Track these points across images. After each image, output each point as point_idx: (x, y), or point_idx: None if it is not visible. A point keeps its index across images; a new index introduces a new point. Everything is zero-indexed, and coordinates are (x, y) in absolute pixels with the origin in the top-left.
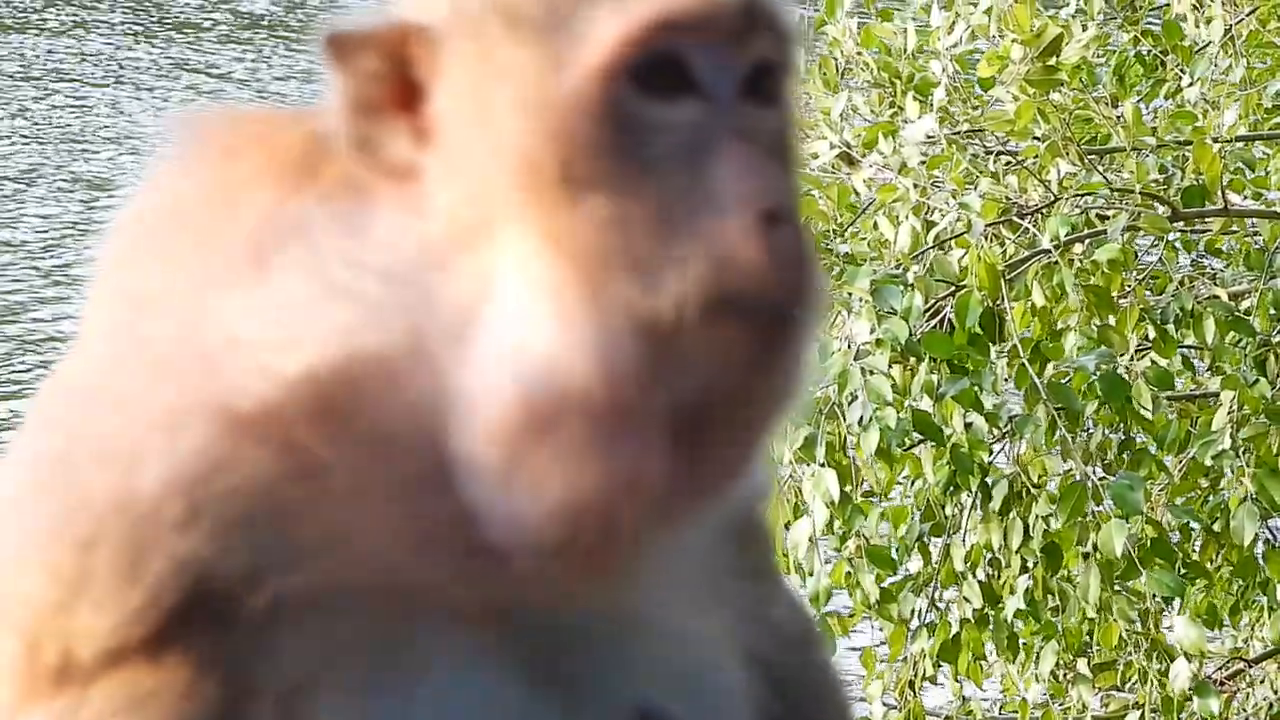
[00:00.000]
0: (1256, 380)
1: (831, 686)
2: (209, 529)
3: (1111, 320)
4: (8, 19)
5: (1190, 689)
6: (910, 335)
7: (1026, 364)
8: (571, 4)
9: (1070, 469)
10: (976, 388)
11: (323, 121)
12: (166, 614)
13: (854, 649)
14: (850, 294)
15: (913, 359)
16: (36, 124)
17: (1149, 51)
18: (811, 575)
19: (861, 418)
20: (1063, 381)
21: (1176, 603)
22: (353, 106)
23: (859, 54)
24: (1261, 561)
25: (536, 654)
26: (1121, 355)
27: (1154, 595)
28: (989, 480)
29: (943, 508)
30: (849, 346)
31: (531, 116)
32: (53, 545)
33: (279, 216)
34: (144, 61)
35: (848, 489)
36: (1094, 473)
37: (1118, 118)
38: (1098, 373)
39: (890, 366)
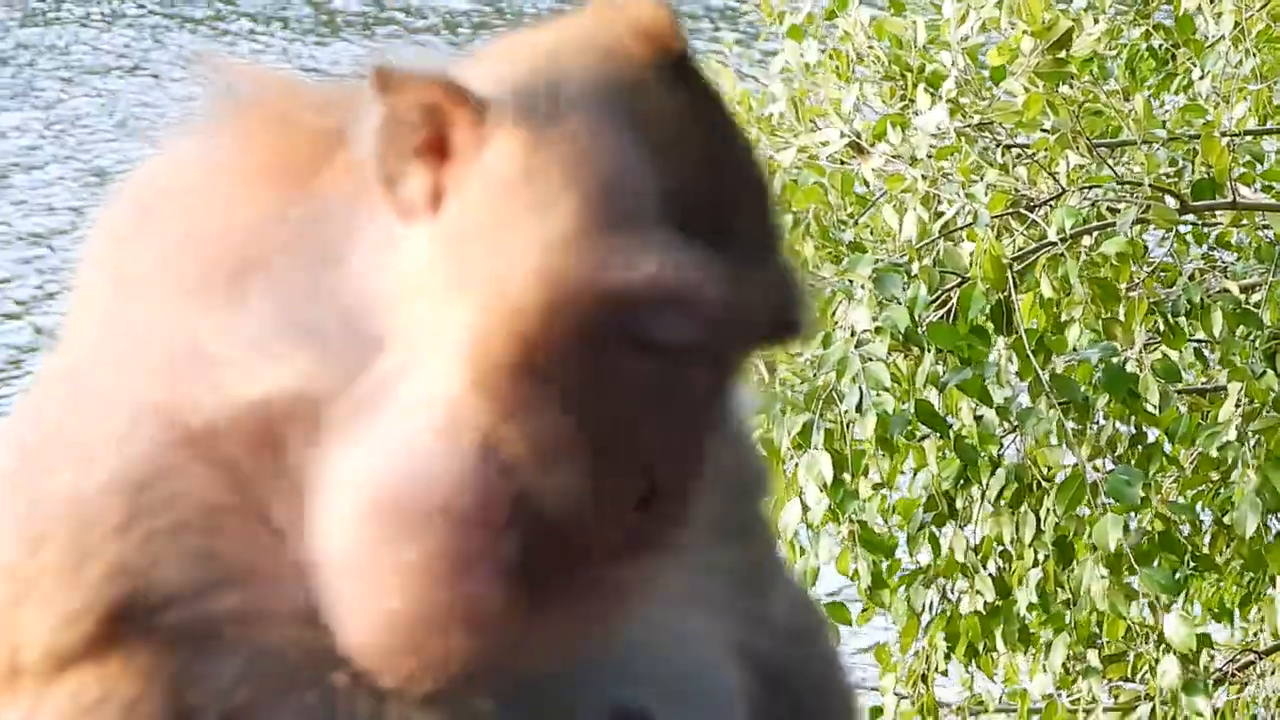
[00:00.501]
0: (1264, 372)
1: (835, 680)
2: (144, 536)
3: (1115, 313)
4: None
5: (1180, 686)
6: (914, 325)
7: (1031, 356)
8: (630, 212)
9: (1075, 462)
10: (982, 379)
11: (341, 116)
12: (104, 620)
13: (864, 649)
14: (852, 281)
15: (916, 349)
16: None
17: (1161, 45)
18: (803, 554)
19: (859, 404)
20: (1067, 374)
21: (1182, 596)
22: (385, 139)
23: (870, 47)
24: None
25: None
26: (1129, 348)
27: (1162, 595)
28: (998, 472)
29: (952, 500)
30: (850, 334)
31: (529, 282)
32: (8, 542)
33: (267, 232)
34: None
35: (845, 475)
36: (1104, 465)
37: (1129, 111)
38: (1101, 366)
39: (891, 355)
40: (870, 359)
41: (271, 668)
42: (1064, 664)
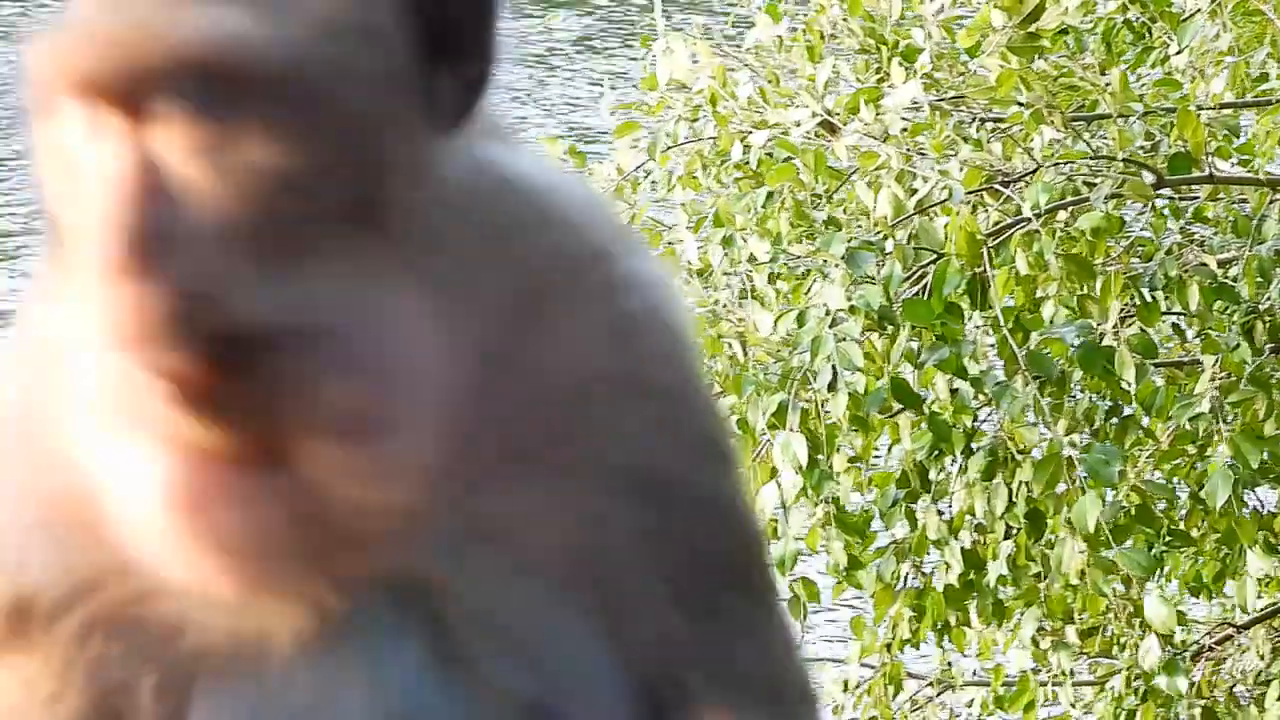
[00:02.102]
0: (1237, 345)
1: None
2: (7, 540)
3: (1089, 289)
4: None
5: (1159, 666)
6: (889, 302)
7: (1008, 334)
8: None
9: (1050, 437)
10: (959, 356)
11: None
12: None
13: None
14: (825, 260)
15: (891, 326)
16: None
17: (1137, 19)
18: (780, 539)
19: (832, 383)
20: (1043, 351)
21: (1160, 572)
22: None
23: (844, 20)
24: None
25: (439, 639)
26: (1104, 323)
27: (1138, 573)
28: (973, 446)
29: (925, 473)
30: (825, 313)
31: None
32: None
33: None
34: None
35: (820, 456)
36: (1080, 440)
37: (1105, 84)
38: (1077, 344)
39: (865, 333)
40: (844, 338)
41: (182, 645)
42: (1034, 638)
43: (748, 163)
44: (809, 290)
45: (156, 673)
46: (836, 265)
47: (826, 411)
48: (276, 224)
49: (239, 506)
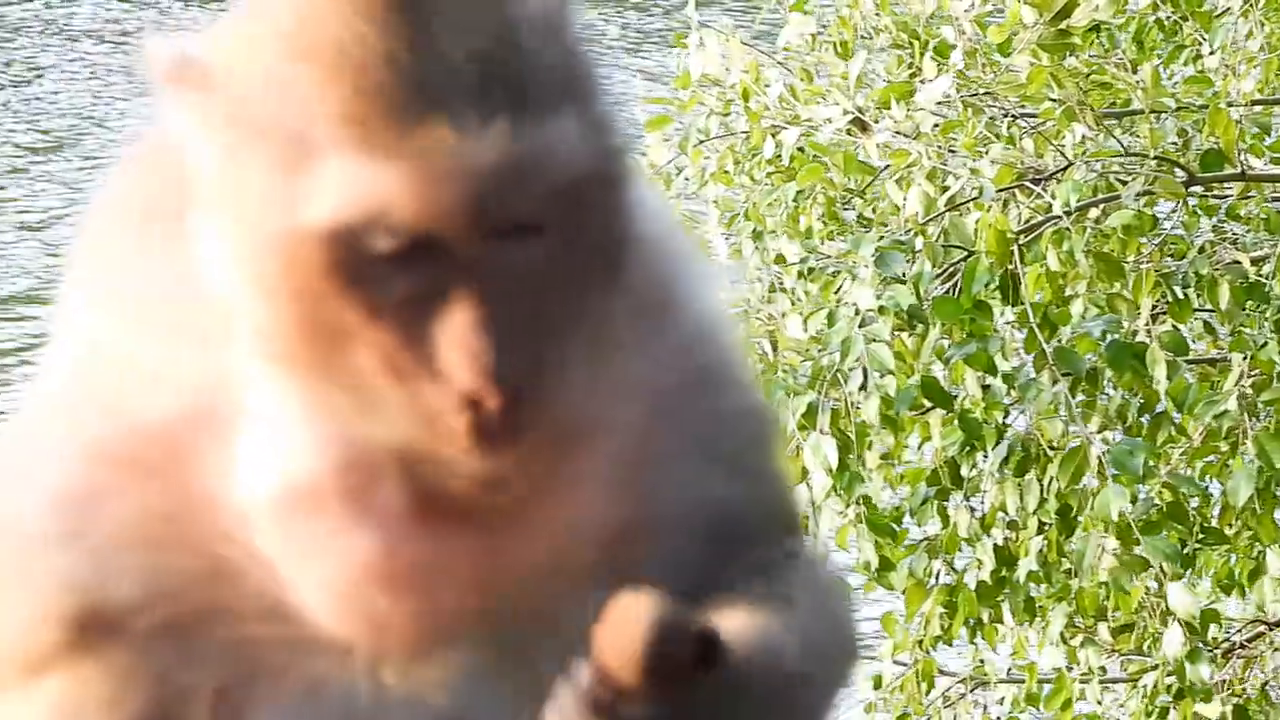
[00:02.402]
0: (1265, 344)
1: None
2: (86, 553)
3: (1120, 287)
4: None
5: (1184, 655)
6: (919, 301)
7: (1036, 329)
8: (313, 138)
9: (1076, 432)
10: (987, 352)
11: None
12: (65, 627)
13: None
14: (855, 261)
15: (921, 325)
16: None
17: (1168, 17)
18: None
19: (864, 384)
20: (1070, 347)
21: (1190, 568)
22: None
23: (877, 15)
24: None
25: (505, 644)
26: (1134, 321)
27: (1167, 564)
28: (1003, 441)
29: (957, 469)
30: (855, 313)
31: (265, 239)
32: None
33: (158, 251)
34: None
35: (850, 456)
36: (1113, 438)
37: (1137, 82)
38: (1105, 339)
39: (895, 333)
40: (874, 339)
41: (247, 659)
42: (1063, 634)
43: (779, 158)
44: (838, 289)
45: (216, 681)
46: (866, 266)
47: (857, 408)
48: (559, 311)
49: (438, 574)
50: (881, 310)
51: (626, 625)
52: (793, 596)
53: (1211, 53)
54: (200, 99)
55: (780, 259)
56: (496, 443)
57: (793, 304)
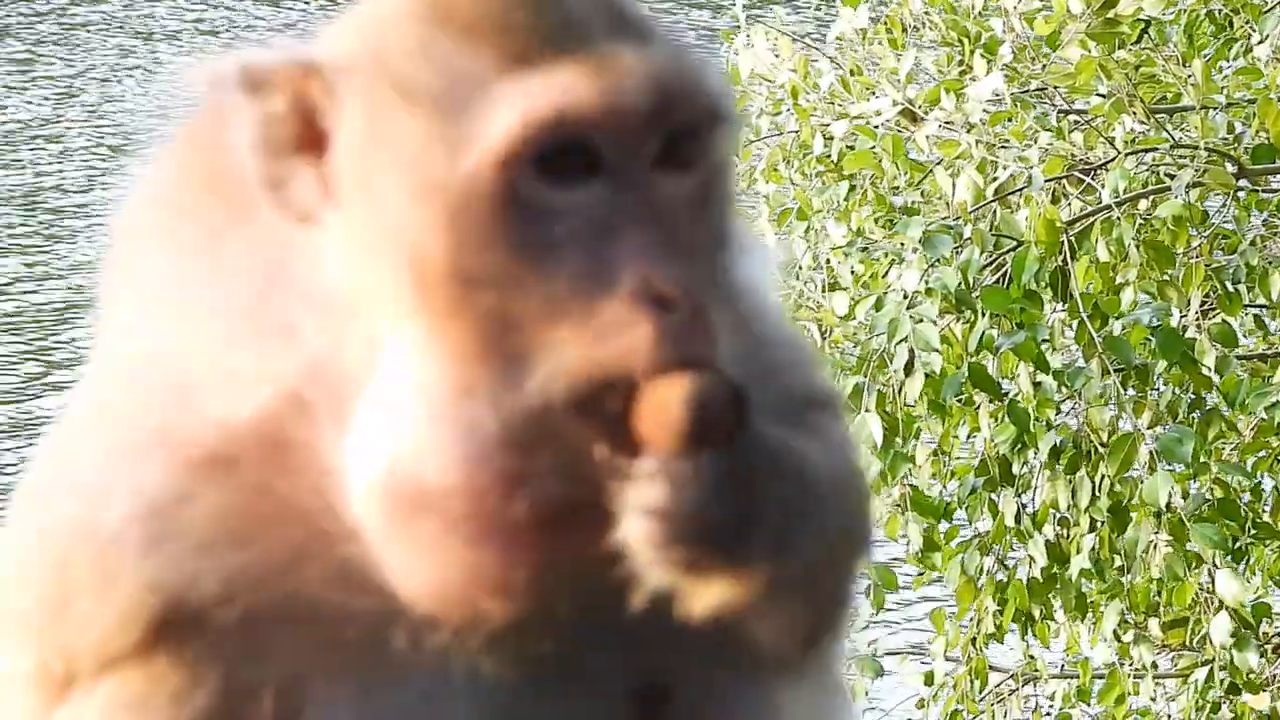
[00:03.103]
0: None
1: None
2: (169, 557)
3: (1170, 276)
4: None
5: (1231, 643)
6: (967, 286)
7: (1086, 319)
8: (470, 83)
9: (1126, 425)
10: (1036, 342)
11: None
12: (145, 627)
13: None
14: (902, 244)
15: (969, 312)
16: None
17: (1219, 10)
18: None
19: (908, 365)
20: (1121, 337)
21: (1243, 562)
22: (261, 145)
23: (926, 13)
24: None
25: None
26: (1185, 315)
27: (1218, 554)
28: (1057, 440)
29: (1008, 465)
30: (903, 297)
31: (421, 199)
32: (34, 567)
33: (226, 247)
34: None
35: (896, 439)
36: (1162, 431)
37: (1187, 76)
38: (1154, 327)
39: (941, 316)
40: (920, 319)
41: (323, 649)
42: (1115, 631)
43: (829, 155)
44: (886, 275)
45: (285, 672)
46: (914, 249)
47: (904, 397)
48: (706, 246)
49: (550, 581)
50: (928, 292)
51: (667, 396)
52: (822, 438)
53: (1260, 42)
54: (314, 84)
55: (832, 248)
56: (685, 351)
57: (839, 287)
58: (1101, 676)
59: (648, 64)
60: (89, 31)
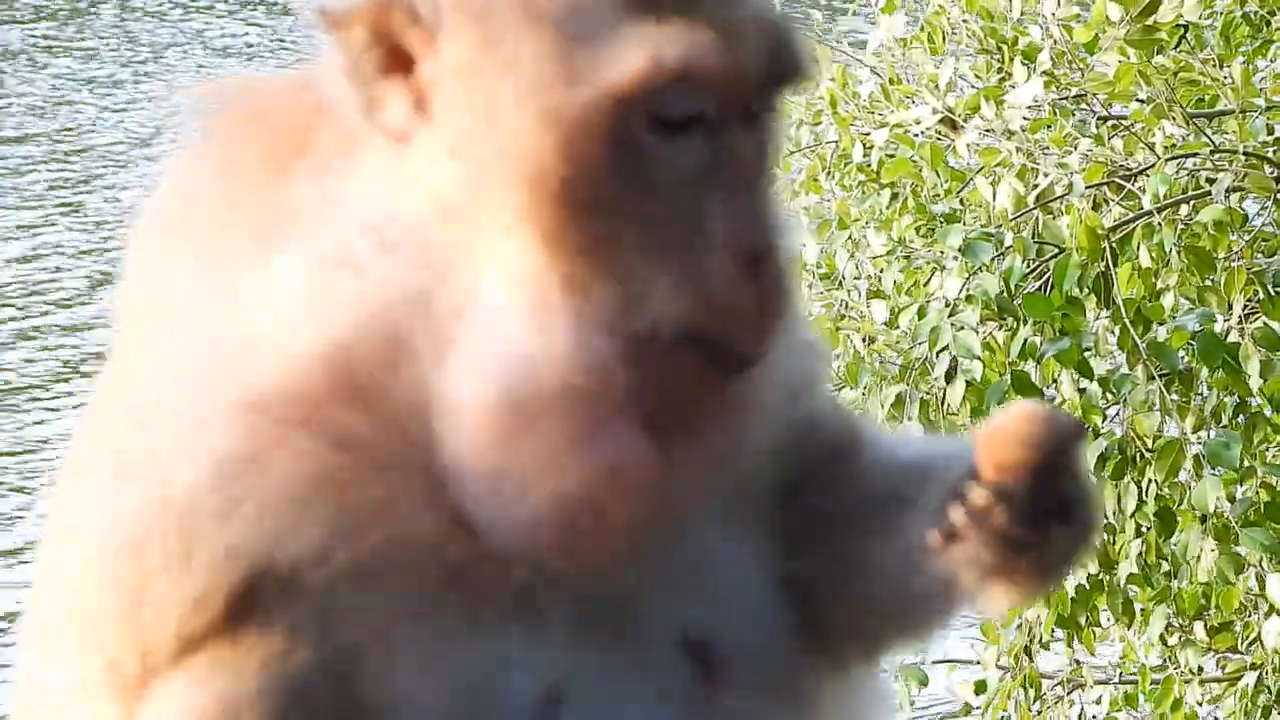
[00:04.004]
0: None
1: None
2: (251, 519)
3: (1212, 281)
4: None
5: None
6: (1010, 295)
7: (1129, 325)
8: (598, 18)
9: (1171, 429)
10: (1079, 349)
11: (319, 87)
12: (229, 597)
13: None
14: (943, 252)
15: (1011, 320)
16: None
17: (1255, 13)
18: None
19: (949, 371)
20: (1165, 343)
21: None
22: (349, 74)
23: (964, 20)
24: None
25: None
26: (1228, 318)
27: (1265, 557)
28: (1104, 445)
29: None
30: (945, 305)
31: (540, 122)
32: (108, 556)
33: (278, 201)
34: None
35: None
36: (1208, 437)
37: (1225, 79)
38: (1197, 333)
39: (983, 323)
40: (962, 327)
41: (414, 600)
42: (1162, 635)
43: (869, 164)
44: (927, 283)
45: (377, 626)
46: (955, 257)
47: (944, 401)
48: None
49: (653, 489)
50: (969, 299)
51: (1018, 427)
52: None
53: None
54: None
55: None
56: (774, 311)
57: (880, 294)
58: (1158, 682)
59: (766, 30)
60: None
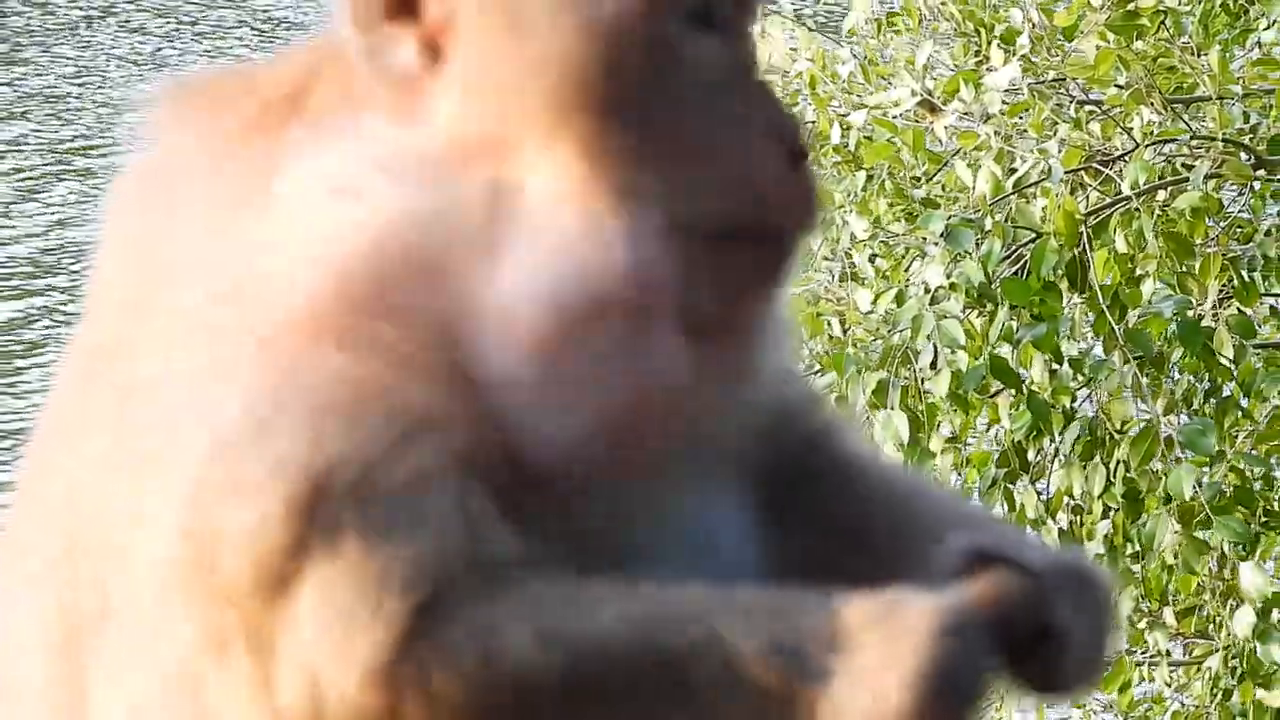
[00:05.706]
0: None
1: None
2: (295, 425)
3: (1189, 267)
4: None
5: (1254, 635)
6: (988, 280)
7: (1106, 310)
8: None
9: (1147, 414)
10: (1056, 334)
11: (309, 56)
12: (296, 514)
13: None
14: (924, 238)
15: (990, 304)
16: None
17: (1234, 1)
18: None
19: (934, 361)
20: (1141, 328)
21: (1258, 552)
22: (354, 20)
23: (942, 4)
24: None
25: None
26: (1202, 303)
27: (1231, 544)
28: (1072, 425)
29: (1024, 453)
30: (925, 291)
31: (572, 33)
32: (181, 510)
33: (274, 149)
34: None
35: (920, 434)
36: (1178, 420)
37: (1203, 66)
38: (1175, 319)
39: (965, 311)
40: (945, 316)
41: (478, 500)
42: (1129, 618)
43: (846, 145)
44: (908, 268)
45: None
46: (935, 243)
47: (927, 392)
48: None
49: (699, 396)
50: (952, 287)
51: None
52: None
53: (1268, 28)
54: None
55: (852, 237)
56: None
57: (861, 283)
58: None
59: None
60: None
